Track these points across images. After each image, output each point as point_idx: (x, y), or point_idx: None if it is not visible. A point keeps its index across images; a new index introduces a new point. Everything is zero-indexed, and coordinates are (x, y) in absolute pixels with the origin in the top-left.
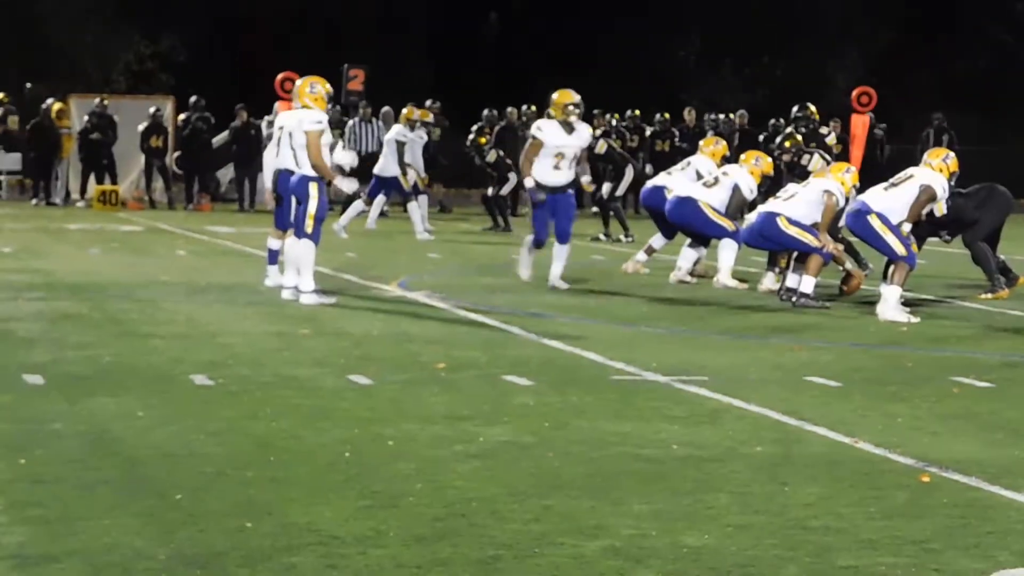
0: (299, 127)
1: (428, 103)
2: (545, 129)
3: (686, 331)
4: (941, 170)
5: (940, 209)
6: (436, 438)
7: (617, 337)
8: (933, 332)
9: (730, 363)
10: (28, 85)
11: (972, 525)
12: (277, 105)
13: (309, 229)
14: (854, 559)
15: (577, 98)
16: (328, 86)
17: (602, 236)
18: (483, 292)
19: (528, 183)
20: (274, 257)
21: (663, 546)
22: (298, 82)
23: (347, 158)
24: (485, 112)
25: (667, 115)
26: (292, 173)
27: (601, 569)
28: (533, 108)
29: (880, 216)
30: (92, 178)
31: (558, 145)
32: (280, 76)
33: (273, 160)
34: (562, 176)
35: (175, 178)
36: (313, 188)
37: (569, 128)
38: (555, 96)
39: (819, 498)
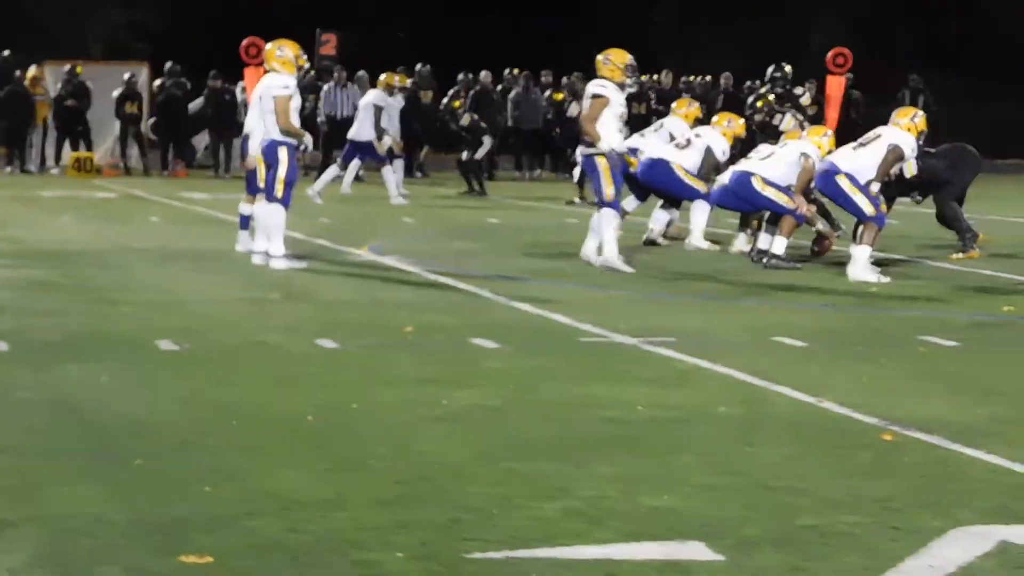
0: (267, 92)
1: (419, 67)
2: (608, 87)
3: (657, 293)
4: (909, 129)
5: (911, 169)
6: (402, 402)
7: (588, 300)
8: (903, 292)
9: (700, 325)
10: (5, 53)
11: (934, 484)
12: (245, 71)
13: (279, 193)
14: (815, 518)
15: (632, 59)
16: (297, 49)
17: (576, 200)
18: (455, 256)
19: (605, 146)
20: (245, 222)
21: (624, 507)
22: (267, 46)
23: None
24: (460, 76)
25: (643, 77)
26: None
27: (560, 530)
28: (515, 72)
29: (849, 176)
30: (67, 145)
31: (621, 103)
32: (245, 42)
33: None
34: (621, 138)
35: (150, 145)
36: (283, 152)
37: (622, 88)
38: (612, 56)
39: (783, 458)
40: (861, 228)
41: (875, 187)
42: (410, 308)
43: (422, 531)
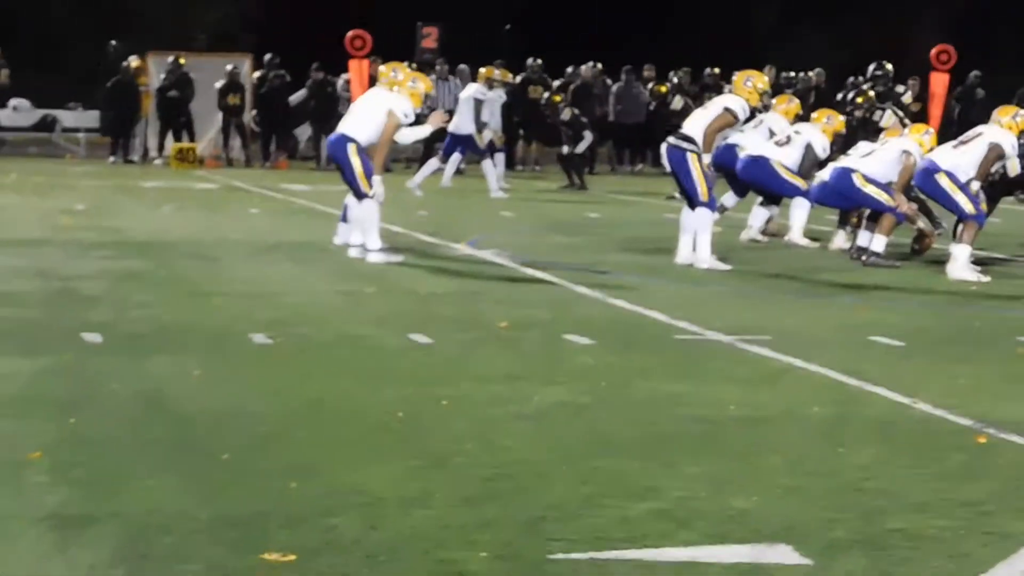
0: (385, 105)
1: (530, 61)
2: (742, 109)
3: (754, 290)
4: (1010, 127)
5: (1014, 168)
6: (492, 398)
7: (683, 296)
8: (1002, 291)
9: (795, 323)
10: (112, 43)
11: None
12: (349, 63)
13: (364, 188)
14: (904, 522)
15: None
16: (430, 86)
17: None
18: (553, 251)
19: (707, 159)
20: (347, 214)
21: (710, 508)
22: (399, 73)
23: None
24: (569, 69)
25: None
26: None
27: (645, 531)
28: (599, 66)
29: (949, 174)
30: (170, 136)
31: (741, 127)
32: (350, 34)
33: None
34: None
35: (252, 136)
36: (351, 148)
37: (753, 113)
38: (754, 79)
39: (873, 460)
40: (961, 226)
41: (975, 185)
42: (505, 303)
43: (506, 530)
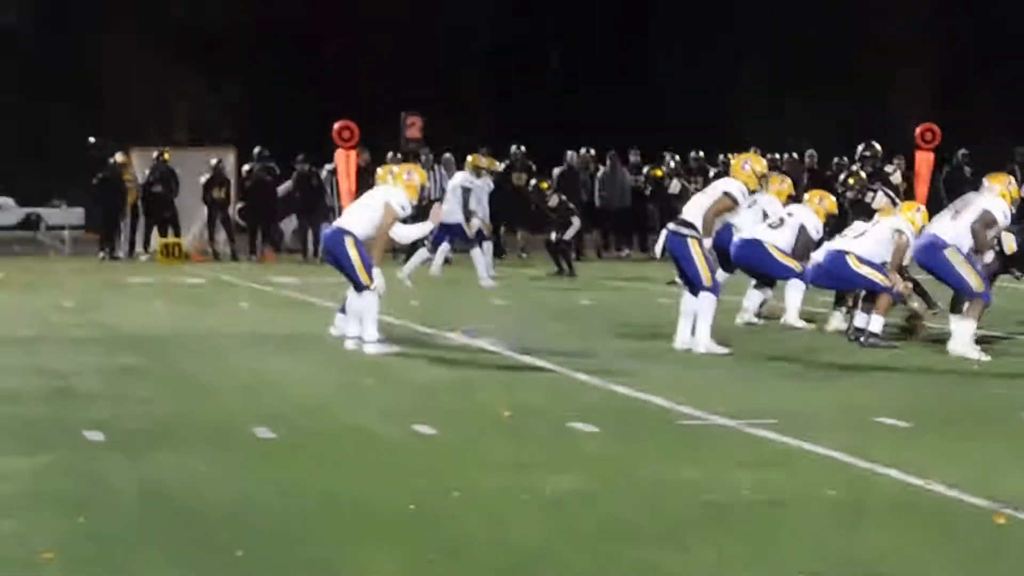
0: (383, 199)
1: (513, 149)
2: (741, 193)
3: (753, 373)
4: (1003, 196)
5: (1009, 245)
6: (502, 488)
7: (683, 380)
8: (1004, 369)
9: (798, 405)
10: (91, 139)
11: None
12: (336, 153)
13: (364, 280)
14: None
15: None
16: (424, 178)
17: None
18: (549, 338)
19: (708, 244)
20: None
21: None
22: (395, 168)
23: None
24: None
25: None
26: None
27: None
28: (591, 151)
29: (957, 249)
30: (155, 231)
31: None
32: (338, 125)
33: None
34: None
35: (238, 229)
36: (348, 241)
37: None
38: (752, 163)
39: (892, 543)
40: (966, 304)
41: (988, 256)
42: (506, 391)
43: None
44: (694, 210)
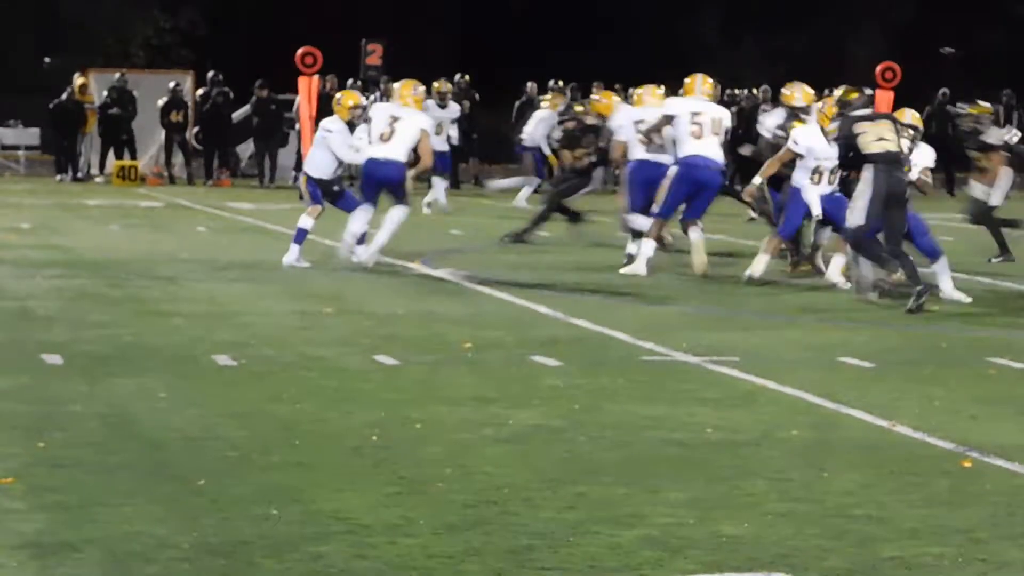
0: (416, 122)
1: (457, 77)
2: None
3: (716, 310)
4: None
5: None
6: (465, 421)
7: (646, 317)
8: (964, 310)
9: (761, 343)
10: (47, 60)
11: (1018, 514)
12: (299, 80)
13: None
14: (898, 549)
15: None
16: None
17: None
18: (507, 269)
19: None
20: (302, 236)
21: (701, 535)
22: (399, 85)
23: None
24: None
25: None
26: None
27: (639, 560)
28: (560, 83)
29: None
30: (111, 153)
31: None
32: (301, 51)
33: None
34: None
35: (195, 153)
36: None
37: None
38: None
39: (859, 485)
40: None
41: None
42: (467, 323)
43: (495, 559)
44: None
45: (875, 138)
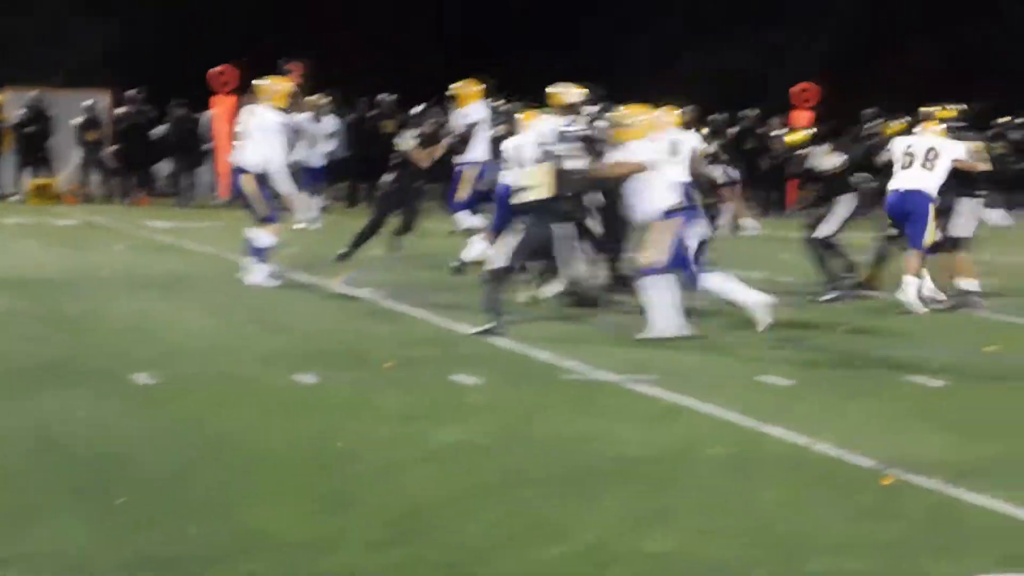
0: None
1: (384, 96)
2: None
3: (635, 328)
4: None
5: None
6: (389, 438)
7: (565, 334)
8: (880, 328)
9: (681, 361)
10: None
11: (940, 528)
12: (211, 99)
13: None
14: (824, 564)
15: None
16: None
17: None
18: (427, 288)
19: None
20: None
21: (627, 551)
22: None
23: None
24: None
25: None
26: None
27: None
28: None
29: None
30: (28, 171)
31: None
32: (214, 70)
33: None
34: None
35: (112, 172)
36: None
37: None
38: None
39: (783, 501)
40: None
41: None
42: (388, 341)
43: (420, 574)
44: None
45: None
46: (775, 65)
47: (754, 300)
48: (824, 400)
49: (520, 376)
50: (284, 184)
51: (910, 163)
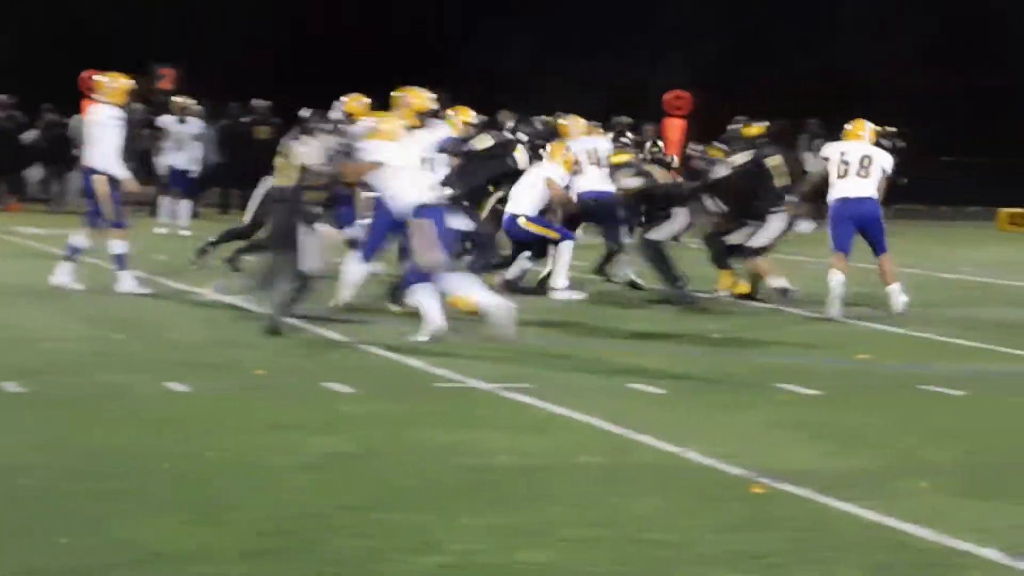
0: None
1: (255, 102)
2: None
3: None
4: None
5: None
6: (261, 448)
7: (439, 343)
8: (753, 337)
9: (554, 370)
10: None
11: (811, 539)
12: (83, 103)
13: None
14: (693, 574)
15: None
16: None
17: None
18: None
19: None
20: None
21: (498, 562)
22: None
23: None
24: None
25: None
26: None
27: None
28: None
29: None
30: None
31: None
32: (84, 74)
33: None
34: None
35: None
36: None
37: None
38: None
39: (654, 511)
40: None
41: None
42: (259, 349)
43: None
44: None
45: None
46: (648, 74)
47: (489, 303)
48: (696, 408)
49: (393, 385)
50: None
51: (845, 172)
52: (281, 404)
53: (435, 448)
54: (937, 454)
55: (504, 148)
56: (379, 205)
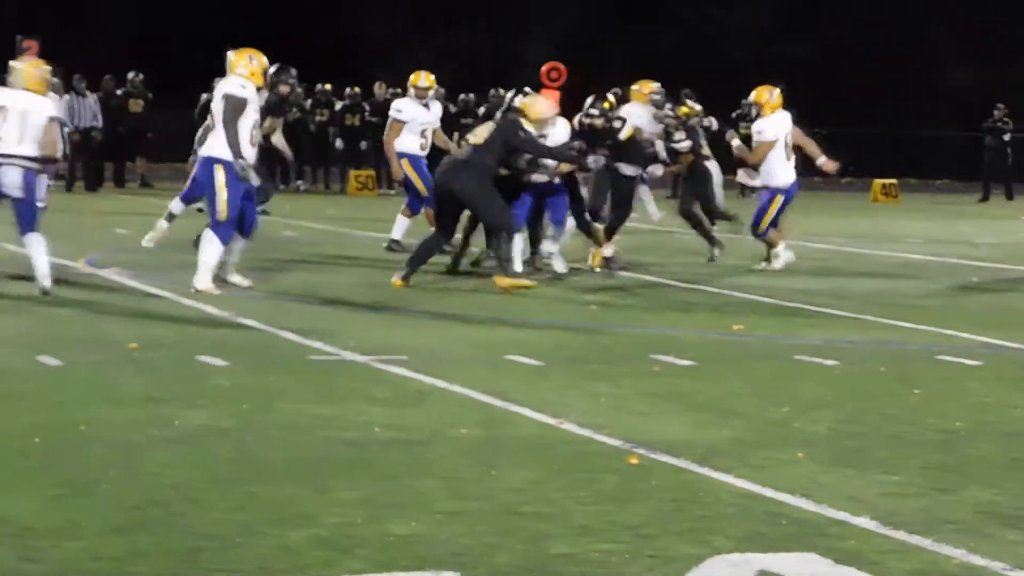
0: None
1: (131, 75)
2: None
3: (384, 310)
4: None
5: None
6: (131, 422)
7: (313, 316)
8: (627, 308)
9: (430, 342)
10: None
11: (685, 509)
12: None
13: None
14: (568, 546)
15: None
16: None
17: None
18: (174, 269)
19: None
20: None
21: (371, 535)
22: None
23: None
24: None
25: (357, 88)
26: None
27: (308, 560)
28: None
29: None
30: None
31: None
32: None
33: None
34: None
35: None
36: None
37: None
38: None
39: (529, 482)
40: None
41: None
42: (133, 323)
43: (162, 560)
44: None
45: None
46: (521, 44)
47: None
48: (572, 380)
49: (267, 358)
50: None
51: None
52: (154, 377)
53: (309, 421)
54: (810, 424)
55: None
56: None
